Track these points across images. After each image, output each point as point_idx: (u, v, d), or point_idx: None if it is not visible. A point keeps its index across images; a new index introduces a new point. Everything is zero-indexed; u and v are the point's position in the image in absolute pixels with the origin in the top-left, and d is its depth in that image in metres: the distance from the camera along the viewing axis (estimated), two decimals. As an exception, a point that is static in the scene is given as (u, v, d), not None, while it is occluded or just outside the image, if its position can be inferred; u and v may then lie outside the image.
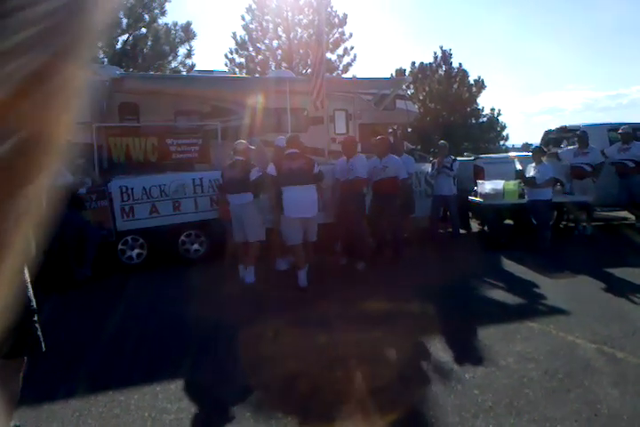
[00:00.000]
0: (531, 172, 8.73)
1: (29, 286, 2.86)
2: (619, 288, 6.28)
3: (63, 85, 0.34)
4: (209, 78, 11.33)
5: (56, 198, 0.37)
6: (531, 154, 9.23)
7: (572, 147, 10.47)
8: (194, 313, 5.75)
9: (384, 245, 8.16)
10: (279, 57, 23.19)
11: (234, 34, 23.47)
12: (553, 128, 12.46)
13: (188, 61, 20.68)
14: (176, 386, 4.03)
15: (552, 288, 6.41)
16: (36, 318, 3.02)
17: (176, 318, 5.68)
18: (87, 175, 7.72)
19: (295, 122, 10.61)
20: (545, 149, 9.75)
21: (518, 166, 9.45)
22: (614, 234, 10.14)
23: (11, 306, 0.35)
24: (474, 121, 26.12)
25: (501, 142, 26.46)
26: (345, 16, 23.52)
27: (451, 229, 9.63)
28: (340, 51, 23.71)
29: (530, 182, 8.62)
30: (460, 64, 26.21)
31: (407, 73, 26.28)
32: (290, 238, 6.82)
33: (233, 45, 23.56)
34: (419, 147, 20.40)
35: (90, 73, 0.36)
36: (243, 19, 23.26)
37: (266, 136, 9.82)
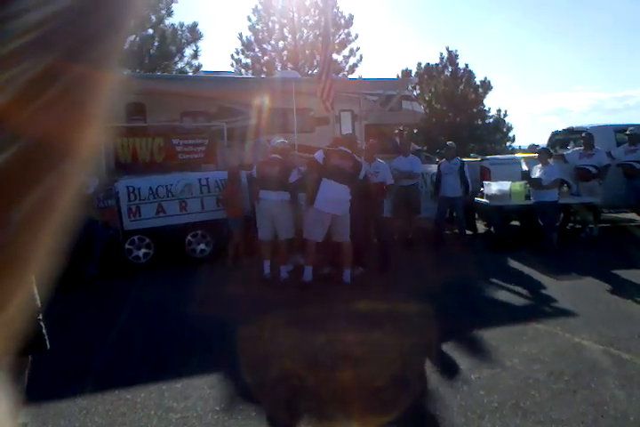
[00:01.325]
0: (537, 173, 8.70)
1: (34, 284, 2.87)
2: (625, 290, 6.26)
3: (88, 88, 0.35)
4: (215, 79, 11.35)
5: (79, 202, 0.37)
6: (536, 155, 9.19)
7: (577, 148, 10.44)
8: (200, 312, 5.76)
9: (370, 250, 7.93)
10: (285, 58, 23.18)
11: (240, 35, 23.49)
12: (560, 129, 12.43)
13: (195, 62, 20.64)
14: (182, 385, 4.05)
15: (558, 290, 6.40)
16: (40, 317, 3.04)
17: (182, 317, 5.69)
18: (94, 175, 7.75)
19: (301, 122, 10.61)
20: (551, 151, 9.70)
21: (524, 167, 9.42)
22: (621, 235, 10.10)
23: (17, 306, 0.35)
24: (480, 122, 26.00)
25: (508, 143, 26.34)
26: (351, 17, 23.49)
27: (457, 230, 9.60)
28: (346, 51, 23.66)
29: (535, 183, 8.59)
30: (467, 65, 26.11)
31: (413, 74, 26.19)
32: (310, 233, 6.77)
33: (239, 46, 23.59)
34: (425, 148, 20.35)
35: (117, 77, 0.37)
36: (249, 19, 23.27)
37: (272, 137, 9.84)
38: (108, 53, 0.35)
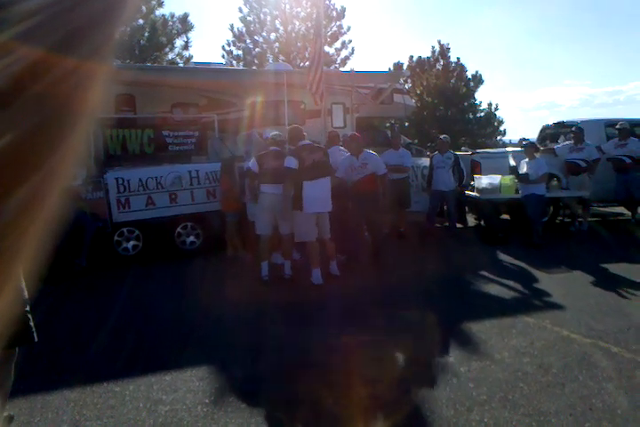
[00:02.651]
0: (524, 167, 8.72)
1: (21, 276, 2.84)
2: (614, 283, 6.30)
3: (78, 80, 0.34)
4: (206, 70, 11.29)
5: (67, 194, 0.37)
6: (522, 149, 9.16)
7: (567, 142, 10.47)
8: (189, 305, 5.75)
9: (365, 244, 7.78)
10: (277, 50, 23.08)
11: (231, 26, 23.36)
12: (550, 123, 12.45)
13: (186, 53, 20.51)
14: (171, 378, 4.03)
15: (548, 283, 6.43)
16: (28, 309, 3.02)
17: (171, 310, 5.67)
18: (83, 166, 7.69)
19: (293, 115, 10.57)
20: (538, 145, 9.63)
21: (512, 162, 9.41)
22: (610, 230, 10.16)
23: (4, 299, 0.34)
24: (471, 116, 26.06)
25: (499, 137, 26.43)
26: (343, 9, 23.41)
27: (447, 224, 9.62)
28: (337, 44, 23.59)
29: (523, 178, 8.60)
30: (458, 58, 26.14)
31: (405, 67, 26.20)
32: (307, 235, 6.63)
33: (230, 38, 23.47)
34: (416, 141, 20.36)
35: (108, 69, 0.36)
36: (240, 11, 23.14)
37: (263, 129, 9.81)
38: (100, 45, 0.34)
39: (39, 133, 0.32)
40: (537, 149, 9.02)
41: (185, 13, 20.21)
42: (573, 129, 10.21)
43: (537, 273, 6.91)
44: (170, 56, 20.40)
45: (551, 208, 10.00)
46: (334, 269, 6.85)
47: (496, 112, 26.50)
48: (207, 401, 3.67)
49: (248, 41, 23.27)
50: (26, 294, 2.92)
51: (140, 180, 8.01)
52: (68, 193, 0.37)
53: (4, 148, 0.30)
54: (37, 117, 0.31)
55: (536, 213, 8.60)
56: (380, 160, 7.78)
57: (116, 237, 7.94)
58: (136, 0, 0.37)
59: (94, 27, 0.34)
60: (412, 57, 27.05)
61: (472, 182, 9.56)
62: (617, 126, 10.17)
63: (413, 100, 18.00)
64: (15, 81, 0.29)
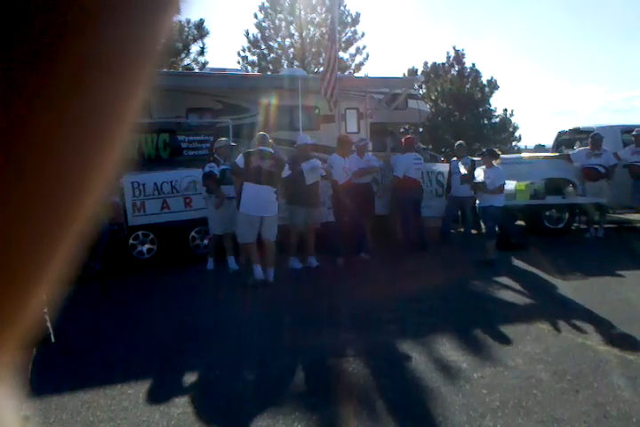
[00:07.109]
0: (481, 176, 7.91)
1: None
2: (630, 290, 6.24)
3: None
4: (221, 76, 11.34)
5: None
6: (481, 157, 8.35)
7: (583, 148, 10.39)
8: (203, 308, 5.78)
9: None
10: (291, 55, 23.18)
11: (246, 32, 23.49)
12: (566, 129, 12.37)
13: (201, 59, 20.65)
14: (184, 380, 4.05)
15: (563, 290, 6.38)
16: (46, 310, 3.05)
17: (185, 313, 5.70)
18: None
19: (307, 120, 10.60)
20: (498, 152, 8.30)
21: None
22: (627, 236, 10.06)
23: (26, 302, 0.35)
24: (486, 121, 25.92)
25: (514, 143, 26.27)
26: (358, 15, 23.44)
27: (461, 230, 9.58)
28: (352, 50, 23.63)
29: (480, 187, 7.85)
30: (473, 64, 26.07)
31: (419, 72, 26.17)
32: (243, 236, 6.71)
33: (245, 43, 23.60)
34: (430, 146, 20.31)
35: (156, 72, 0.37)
36: (255, 17, 23.27)
37: (278, 134, 9.85)
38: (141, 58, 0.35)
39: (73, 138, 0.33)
40: (496, 157, 8.04)
41: (201, 19, 20.34)
42: (592, 135, 10.13)
43: (552, 280, 6.86)
44: (186, 62, 20.55)
45: (567, 214, 9.91)
46: (270, 276, 6.73)
47: (511, 118, 26.38)
48: (220, 404, 3.69)
49: (263, 47, 23.40)
50: (44, 295, 2.95)
51: (156, 184, 8.08)
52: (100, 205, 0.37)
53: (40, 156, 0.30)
54: (67, 128, 0.32)
55: (493, 225, 8.01)
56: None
57: (131, 241, 8.01)
58: (176, 11, 0.37)
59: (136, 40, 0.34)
60: (426, 62, 27.05)
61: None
62: (633, 133, 10.10)
63: (428, 106, 17.94)
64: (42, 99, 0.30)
